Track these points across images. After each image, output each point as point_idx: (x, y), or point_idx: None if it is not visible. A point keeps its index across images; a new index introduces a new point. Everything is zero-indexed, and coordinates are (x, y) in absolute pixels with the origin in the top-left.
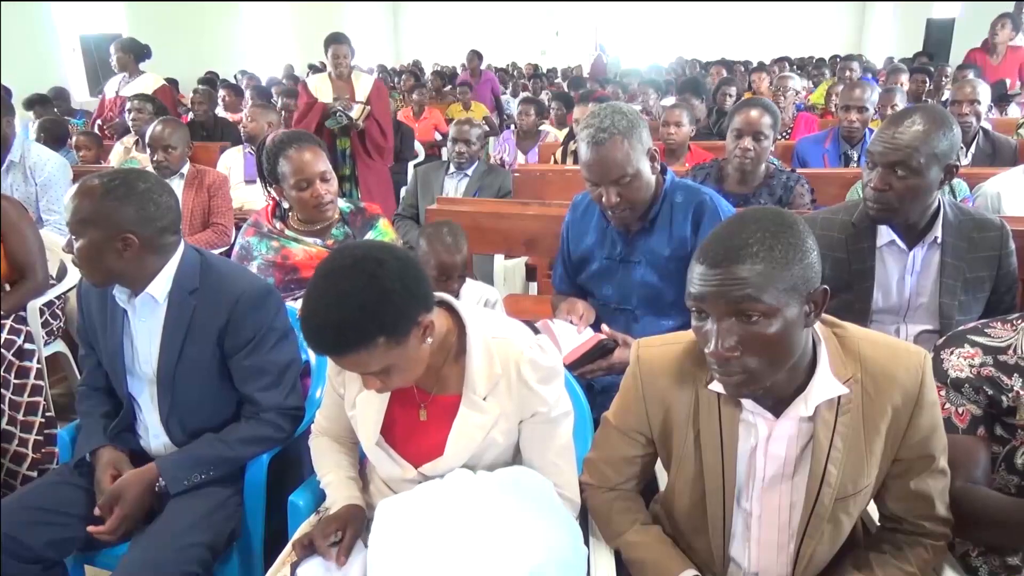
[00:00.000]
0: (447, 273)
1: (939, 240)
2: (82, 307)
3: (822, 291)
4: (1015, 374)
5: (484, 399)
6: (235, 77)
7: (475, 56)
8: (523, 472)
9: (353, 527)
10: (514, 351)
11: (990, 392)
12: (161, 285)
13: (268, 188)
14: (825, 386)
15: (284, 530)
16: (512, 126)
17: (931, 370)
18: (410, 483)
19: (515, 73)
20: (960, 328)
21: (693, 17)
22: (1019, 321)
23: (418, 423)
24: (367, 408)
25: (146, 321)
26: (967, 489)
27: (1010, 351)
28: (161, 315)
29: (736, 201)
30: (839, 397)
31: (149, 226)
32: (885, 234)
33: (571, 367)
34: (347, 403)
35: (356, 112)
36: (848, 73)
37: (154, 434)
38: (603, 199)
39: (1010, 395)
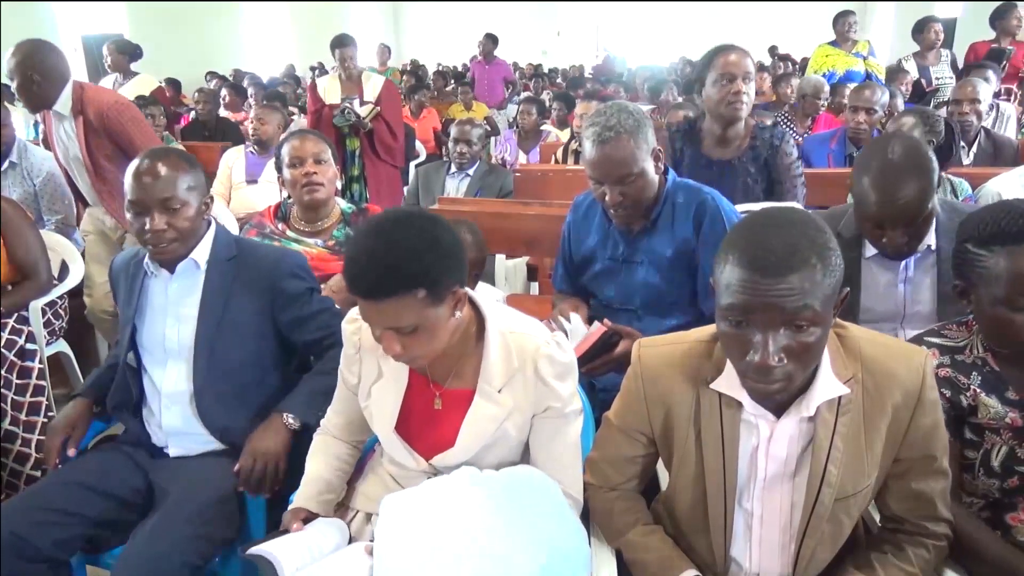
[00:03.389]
0: None
1: (933, 247)
2: (115, 289)
3: (845, 293)
4: (973, 372)
5: (499, 391)
6: (231, 76)
7: (489, 40)
8: (529, 471)
9: (297, 524)
10: (531, 346)
11: (948, 394)
12: (203, 251)
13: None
14: (826, 386)
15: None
16: (513, 126)
17: (932, 369)
18: (419, 474)
19: (516, 73)
20: (917, 333)
21: (694, 17)
22: (975, 323)
23: (433, 413)
24: (384, 396)
25: (182, 285)
26: None
27: (967, 350)
28: (200, 280)
29: (719, 168)
30: (840, 397)
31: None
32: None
33: (579, 362)
34: (361, 392)
35: (365, 111)
36: None
37: (167, 405)
38: (606, 197)
39: (968, 394)
